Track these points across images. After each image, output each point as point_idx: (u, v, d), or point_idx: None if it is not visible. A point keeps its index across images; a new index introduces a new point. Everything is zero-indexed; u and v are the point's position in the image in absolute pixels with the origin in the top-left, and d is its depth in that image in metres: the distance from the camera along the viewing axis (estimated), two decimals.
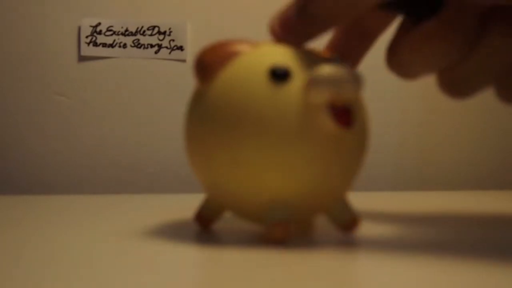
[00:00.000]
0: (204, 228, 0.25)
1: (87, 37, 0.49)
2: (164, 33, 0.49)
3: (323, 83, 0.20)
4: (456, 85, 0.23)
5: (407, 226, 0.27)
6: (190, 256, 0.21)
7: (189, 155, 0.23)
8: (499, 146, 0.52)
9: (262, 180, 0.21)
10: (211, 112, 0.21)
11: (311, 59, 0.22)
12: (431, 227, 0.27)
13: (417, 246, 0.22)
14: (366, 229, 0.25)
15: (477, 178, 0.52)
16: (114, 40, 0.49)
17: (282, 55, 0.22)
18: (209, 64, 0.22)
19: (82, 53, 0.49)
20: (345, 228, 0.23)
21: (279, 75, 0.21)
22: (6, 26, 0.49)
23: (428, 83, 0.51)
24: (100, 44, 0.49)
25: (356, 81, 0.20)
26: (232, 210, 0.24)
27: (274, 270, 0.18)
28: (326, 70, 0.20)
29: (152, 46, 0.49)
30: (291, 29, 0.22)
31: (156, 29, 0.49)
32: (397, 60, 0.23)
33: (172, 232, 0.25)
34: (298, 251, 0.21)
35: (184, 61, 0.49)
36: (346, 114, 0.21)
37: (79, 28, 0.49)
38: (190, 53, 0.49)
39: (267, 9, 0.51)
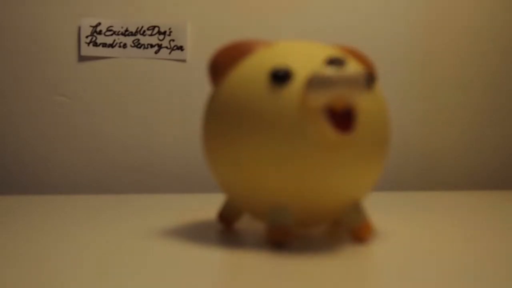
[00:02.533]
0: (227, 227, 0.25)
1: (87, 37, 0.49)
2: (164, 33, 0.49)
3: (320, 85, 0.19)
4: None
5: (408, 226, 0.27)
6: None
7: (204, 155, 0.23)
8: (500, 146, 0.52)
9: (263, 184, 0.20)
10: (218, 114, 0.21)
11: (316, 60, 0.21)
12: (433, 227, 0.27)
13: (420, 247, 0.22)
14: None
15: (478, 178, 0.52)
16: (114, 40, 0.49)
17: (288, 55, 0.21)
18: (218, 65, 0.22)
19: (82, 53, 0.49)
20: (355, 235, 0.22)
21: (279, 77, 0.20)
22: (6, 26, 0.49)
23: (429, 83, 0.51)
24: (100, 44, 0.49)
25: (358, 83, 0.19)
26: (245, 210, 0.23)
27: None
28: (324, 71, 0.19)
29: (152, 46, 0.49)
30: None
31: (156, 29, 0.49)
32: None
33: (174, 232, 0.25)
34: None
35: (184, 61, 0.49)
36: (346, 119, 0.20)
37: (79, 28, 0.49)
38: (190, 53, 0.49)
39: (266, 9, 0.51)
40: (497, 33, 0.52)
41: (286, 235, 0.21)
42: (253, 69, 0.21)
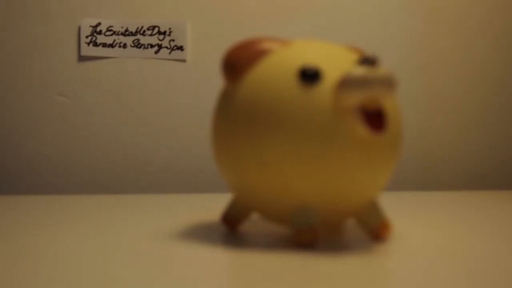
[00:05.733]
0: (231, 229, 0.25)
1: (87, 37, 0.49)
2: (164, 33, 0.49)
3: (354, 85, 0.19)
4: None
5: (408, 226, 0.27)
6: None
7: (216, 154, 0.23)
8: (500, 146, 0.52)
9: (290, 184, 0.20)
10: (239, 112, 0.21)
11: (344, 59, 0.21)
12: (433, 227, 0.27)
13: (422, 248, 0.22)
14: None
15: (478, 178, 0.52)
16: (114, 40, 0.49)
17: (313, 54, 0.21)
18: (237, 63, 0.21)
19: (82, 53, 0.49)
20: (374, 234, 0.22)
21: (309, 76, 0.20)
22: (6, 26, 0.49)
23: (429, 83, 0.51)
24: (100, 44, 0.49)
25: (390, 83, 0.19)
26: (259, 211, 0.23)
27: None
28: (358, 71, 0.19)
29: (152, 46, 0.49)
30: None
31: (156, 29, 0.49)
32: None
33: (174, 233, 0.25)
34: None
35: (184, 61, 0.49)
36: (379, 118, 0.20)
37: (79, 28, 0.49)
38: (190, 53, 0.49)
39: (266, 9, 0.51)
40: (498, 32, 0.52)
41: (314, 236, 0.21)
42: (278, 67, 0.21)
